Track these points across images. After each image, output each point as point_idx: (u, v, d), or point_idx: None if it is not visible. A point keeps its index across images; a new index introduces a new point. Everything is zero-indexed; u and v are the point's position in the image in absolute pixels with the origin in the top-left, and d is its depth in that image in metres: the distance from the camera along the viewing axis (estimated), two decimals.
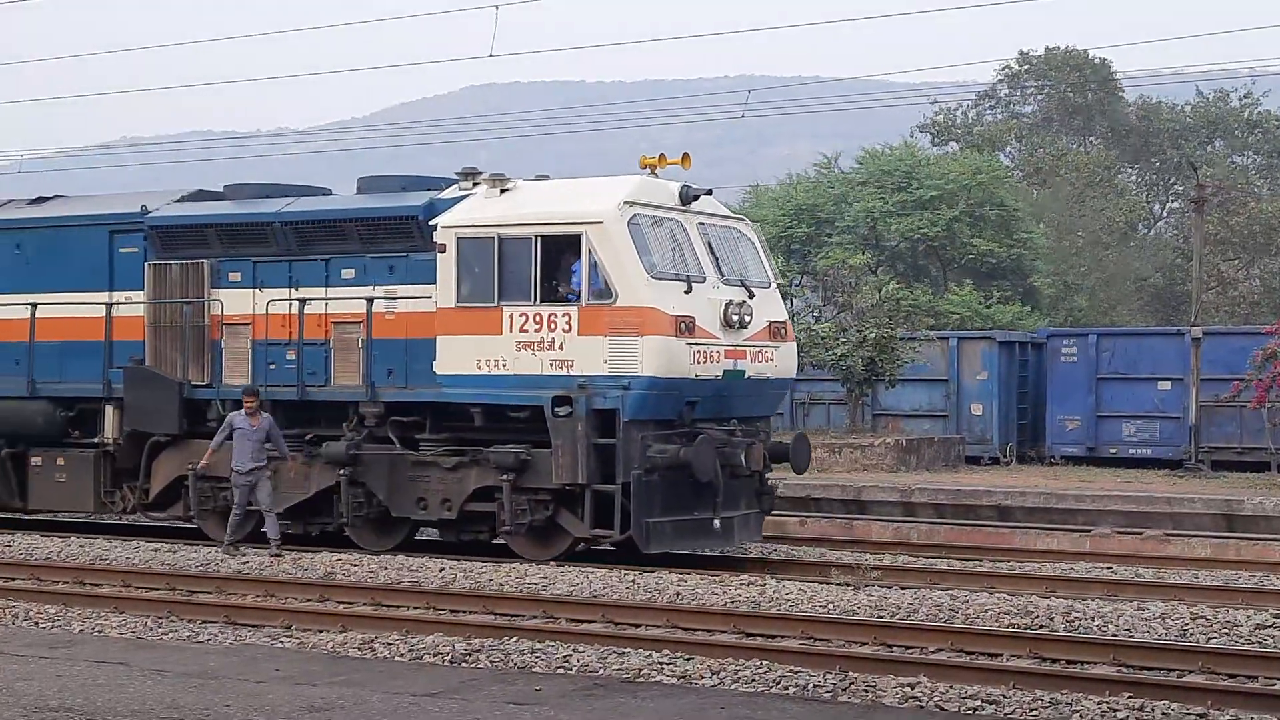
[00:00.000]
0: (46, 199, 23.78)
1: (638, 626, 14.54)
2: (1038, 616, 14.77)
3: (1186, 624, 14.45)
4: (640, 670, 12.45)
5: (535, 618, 15.05)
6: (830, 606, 15.48)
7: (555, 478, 18.62)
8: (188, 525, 21.89)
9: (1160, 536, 21.97)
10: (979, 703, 11.33)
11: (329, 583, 17.34)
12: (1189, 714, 10.96)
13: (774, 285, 20.44)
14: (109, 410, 21.93)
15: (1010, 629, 14.24)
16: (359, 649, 13.47)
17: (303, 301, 20.53)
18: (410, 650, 13.33)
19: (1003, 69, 61.21)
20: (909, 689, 11.71)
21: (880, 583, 16.83)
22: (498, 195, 19.67)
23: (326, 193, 22.40)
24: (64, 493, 22.47)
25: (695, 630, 14.35)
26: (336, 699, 10.19)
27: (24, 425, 22.63)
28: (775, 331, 19.94)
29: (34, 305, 22.40)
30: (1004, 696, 11.49)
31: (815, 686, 11.87)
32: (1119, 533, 22.59)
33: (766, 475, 19.95)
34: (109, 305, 21.99)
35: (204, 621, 15.17)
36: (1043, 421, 33.84)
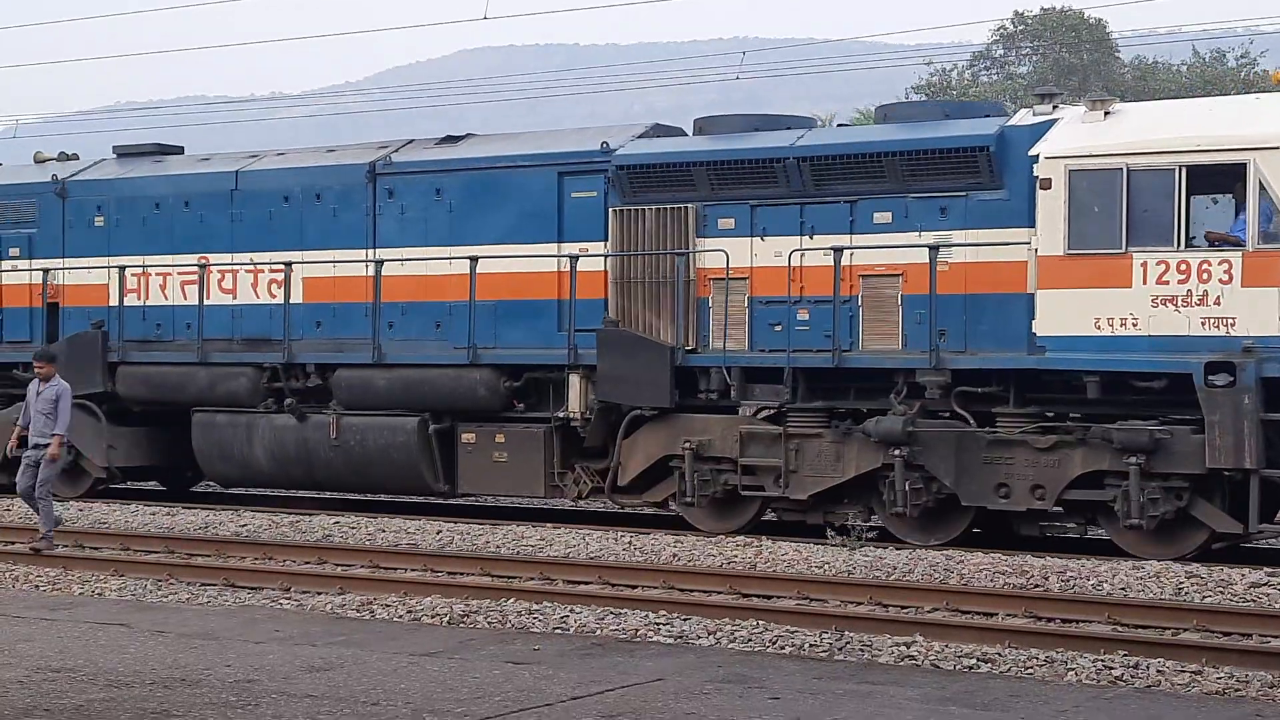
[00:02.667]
0: (457, 138, 20.92)
1: (635, 588, 14.60)
2: (1033, 576, 14.84)
3: (1181, 583, 14.53)
4: (637, 631, 12.51)
5: (533, 579, 15.13)
6: (826, 567, 15.56)
7: (1210, 460, 15.59)
8: (665, 513, 19.19)
9: None
10: (975, 661, 11.39)
11: (327, 545, 17.41)
12: (1183, 671, 11.02)
13: None
14: (574, 380, 18.87)
15: (1006, 588, 14.32)
16: (358, 610, 13.53)
17: (838, 251, 17.41)
18: (409, 611, 13.39)
19: (998, 29, 61.08)
20: (905, 648, 11.77)
21: (875, 543, 16.90)
22: (1102, 119, 16.59)
23: (812, 124, 19.80)
24: (505, 474, 19.40)
25: (692, 591, 14.42)
26: (336, 659, 10.25)
27: (459, 397, 19.57)
28: None
29: (473, 259, 19.28)
30: (999, 655, 11.55)
31: (811, 646, 11.93)
32: None
33: None
34: (571, 259, 18.90)
35: (203, 584, 15.22)
36: None
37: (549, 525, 18.72)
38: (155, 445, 22.37)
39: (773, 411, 17.91)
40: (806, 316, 17.81)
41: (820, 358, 17.63)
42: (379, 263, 20.04)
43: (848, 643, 11.98)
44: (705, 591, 14.38)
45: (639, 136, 19.37)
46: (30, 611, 12.46)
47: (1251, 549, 17.16)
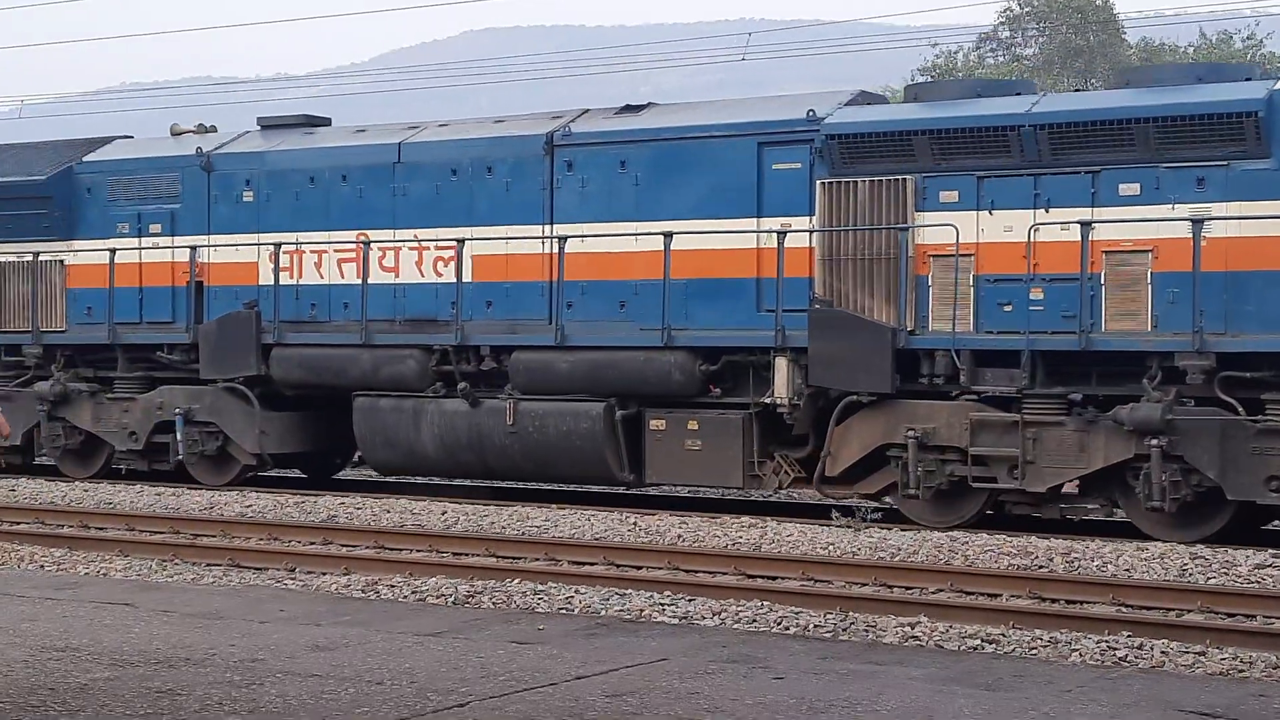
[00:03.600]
0: (638, 107, 19.78)
1: (639, 569, 14.61)
2: (1037, 557, 14.85)
3: (1185, 564, 14.53)
4: (642, 611, 12.53)
5: (538, 560, 15.14)
6: (831, 548, 15.56)
7: None
8: (884, 505, 17.79)
9: None
10: (979, 642, 11.40)
11: (332, 526, 17.41)
12: (1187, 652, 11.03)
13: None
14: (781, 363, 17.65)
15: (1010, 570, 14.32)
16: (363, 590, 13.56)
17: (1086, 225, 16.15)
18: (414, 592, 13.41)
19: (1004, 11, 60.96)
20: (909, 629, 11.79)
21: (880, 524, 16.89)
22: None
23: (1033, 88, 18.74)
24: (698, 464, 18.20)
25: (697, 572, 14.42)
26: (341, 639, 10.25)
27: (650, 382, 18.44)
28: None
29: (668, 235, 18.13)
30: (1003, 636, 11.56)
31: (816, 626, 11.95)
32: None
33: None
34: (779, 234, 17.67)
35: (209, 564, 15.24)
36: None
37: (554, 506, 18.72)
38: (307, 431, 21.37)
39: (973, 398, 16.98)
40: (1041, 295, 16.62)
41: (1064, 340, 16.42)
42: (562, 239, 18.89)
43: (852, 623, 11.99)
44: (710, 572, 14.38)
45: (846, 104, 18.23)
46: (35, 591, 12.47)
47: (1257, 530, 17.13)
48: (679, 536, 16.43)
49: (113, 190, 22.31)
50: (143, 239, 21.97)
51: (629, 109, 19.68)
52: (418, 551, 15.71)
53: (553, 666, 9.40)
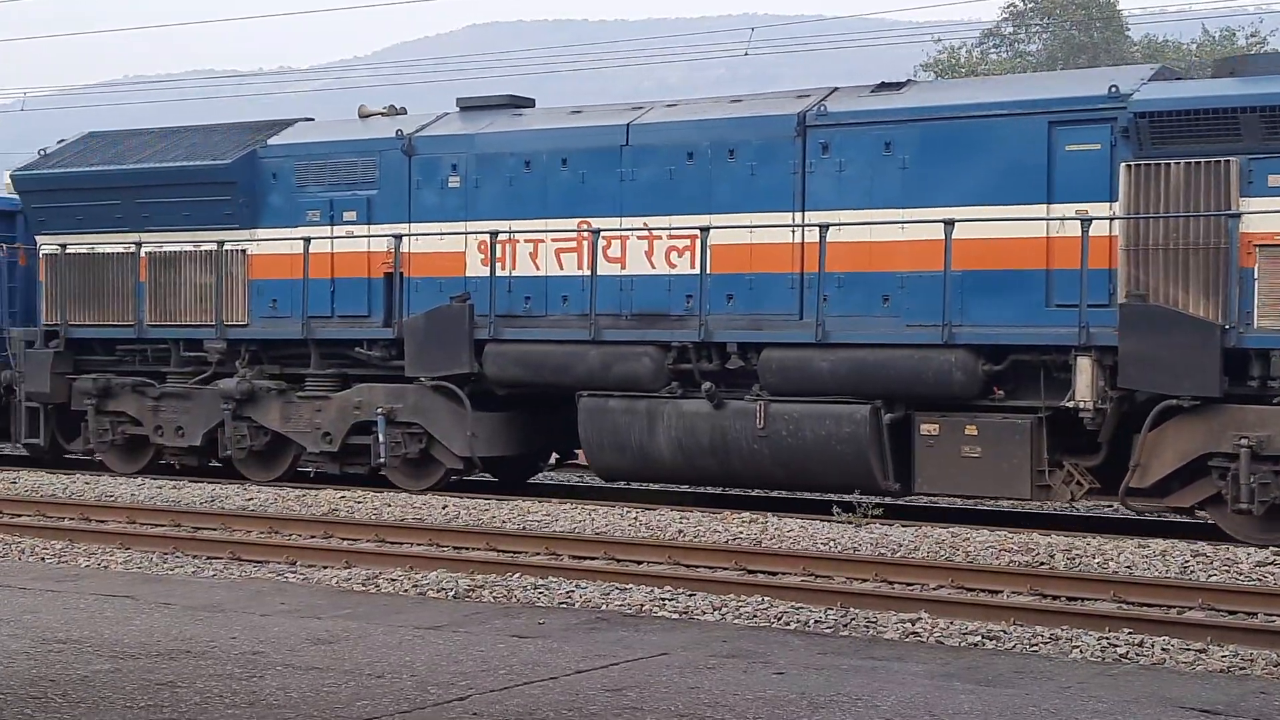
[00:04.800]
0: (897, 85, 18.30)
1: (640, 563, 14.62)
2: (1038, 553, 14.84)
3: (1186, 561, 14.52)
4: (643, 606, 12.53)
5: (538, 554, 15.13)
6: (832, 544, 15.55)
7: None
8: (1191, 520, 16.78)
9: None
10: (979, 638, 11.40)
11: (333, 519, 17.41)
12: (1188, 649, 11.03)
13: None
14: (1084, 363, 16.06)
15: (1011, 566, 14.31)
16: (363, 584, 13.57)
17: None
18: (414, 586, 13.42)
19: (1007, 7, 60.91)
20: (909, 625, 11.78)
21: (881, 520, 16.88)
22: None
23: None
24: (976, 472, 16.63)
25: (697, 567, 14.41)
26: (341, 632, 10.26)
27: (924, 383, 16.88)
28: None
29: (949, 223, 16.56)
30: (1004, 632, 11.56)
31: (816, 622, 11.95)
32: None
33: None
34: (1082, 222, 16.06)
35: (209, 557, 15.25)
36: None
37: (554, 500, 18.71)
38: (514, 433, 19.86)
39: None
40: None
41: None
42: (822, 227, 17.27)
43: (853, 619, 11.99)
44: (710, 567, 14.37)
45: (1151, 79, 16.69)
46: (37, 583, 12.48)
47: None
48: (679, 531, 16.42)
49: (301, 175, 20.80)
50: (335, 227, 20.46)
51: (886, 86, 18.21)
52: (418, 545, 15.72)
53: (553, 660, 9.40)
